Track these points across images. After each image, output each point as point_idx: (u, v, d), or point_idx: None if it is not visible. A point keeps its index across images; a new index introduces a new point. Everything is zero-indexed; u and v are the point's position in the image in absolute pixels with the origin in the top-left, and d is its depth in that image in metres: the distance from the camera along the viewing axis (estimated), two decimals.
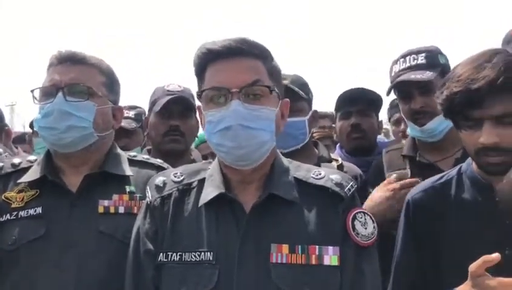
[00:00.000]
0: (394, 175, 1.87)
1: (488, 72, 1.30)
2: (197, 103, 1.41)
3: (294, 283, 1.24)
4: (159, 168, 1.68)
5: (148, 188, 1.41)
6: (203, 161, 1.61)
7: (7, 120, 3.58)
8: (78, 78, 1.56)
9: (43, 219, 1.50)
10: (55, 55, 1.60)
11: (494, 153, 1.33)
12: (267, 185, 1.33)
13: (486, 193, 1.43)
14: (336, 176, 1.37)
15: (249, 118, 1.26)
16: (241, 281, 1.23)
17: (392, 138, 4.09)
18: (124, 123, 2.68)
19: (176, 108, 2.27)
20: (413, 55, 1.99)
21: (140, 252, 1.34)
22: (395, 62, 2.04)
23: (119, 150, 1.72)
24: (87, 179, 1.57)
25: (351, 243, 1.30)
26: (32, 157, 1.69)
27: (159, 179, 1.41)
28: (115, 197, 1.56)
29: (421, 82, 1.91)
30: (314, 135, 2.51)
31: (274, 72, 1.35)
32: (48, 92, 1.56)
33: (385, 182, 1.85)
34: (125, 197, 1.57)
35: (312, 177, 1.37)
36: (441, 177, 1.57)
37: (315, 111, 2.14)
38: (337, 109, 2.70)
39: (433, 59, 1.98)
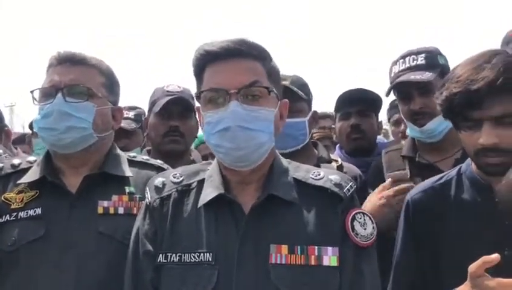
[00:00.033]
0: (389, 180, 1.85)
1: (487, 73, 1.30)
2: (197, 103, 1.41)
3: (293, 283, 1.24)
4: (159, 169, 1.68)
5: (147, 189, 1.41)
6: (203, 162, 1.61)
7: (7, 121, 3.58)
8: (77, 79, 1.56)
9: (42, 220, 1.50)
10: (55, 55, 1.60)
11: (494, 153, 1.33)
12: (266, 186, 1.33)
13: (485, 194, 1.43)
14: (335, 177, 1.37)
15: (248, 119, 1.26)
16: (240, 282, 1.23)
17: (391, 138, 4.10)
18: (124, 124, 2.68)
19: (175, 109, 2.27)
20: (412, 56, 1.99)
21: (140, 253, 1.34)
22: (395, 63, 2.04)
23: (118, 151, 1.72)
24: (86, 179, 1.57)
25: (350, 244, 1.30)
26: (31, 158, 1.69)
27: (158, 180, 1.41)
28: (115, 197, 1.56)
29: (421, 83, 1.91)
30: (313, 135, 2.52)
31: (273, 73, 1.35)
32: (48, 93, 1.56)
33: (379, 188, 1.84)
34: (125, 197, 1.57)
35: (311, 177, 1.37)
36: (441, 178, 1.57)
37: (315, 112, 2.14)
38: (336, 109, 2.70)
39: (433, 60, 1.98)
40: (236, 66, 1.29)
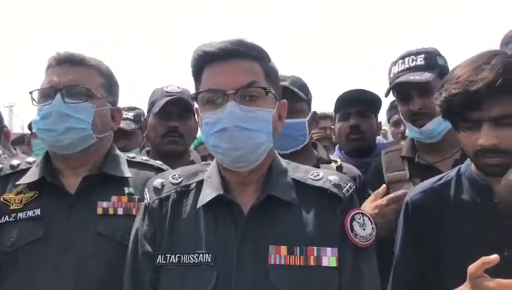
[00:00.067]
0: (383, 186, 1.83)
1: (486, 73, 1.30)
2: (196, 104, 1.41)
3: (292, 284, 1.24)
4: (158, 170, 1.67)
5: (146, 190, 1.41)
6: (202, 163, 1.61)
7: (6, 121, 3.57)
8: (76, 80, 1.56)
9: (41, 221, 1.50)
10: (54, 56, 1.60)
11: (493, 154, 1.33)
12: (265, 187, 1.33)
13: (485, 194, 1.43)
14: (334, 177, 1.37)
15: (245, 119, 1.26)
16: (239, 283, 1.23)
17: (391, 139, 4.10)
18: (123, 124, 2.68)
19: (174, 109, 2.26)
20: (411, 57, 1.99)
21: (139, 254, 1.34)
22: (394, 63, 2.04)
23: (118, 152, 1.71)
24: (85, 180, 1.57)
25: (350, 244, 1.30)
26: (31, 159, 1.69)
27: (157, 181, 1.41)
28: (114, 198, 1.56)
29: (420, 83, 1.91)
30: (313, 136, 2.52)
31: (271, 74, 1.35)
32: (47, 94, 1.55)
33: (371, 197, 1.83)
34: (124, 198, 1.57)
35: (310, 178, 1.37)
36: (440, 179, 1.57)
37: (315, 112, 2.14)
38: (336, 110, 2.70)
39: (432, 60, 1.98)
40: (234, 67, 1.29)
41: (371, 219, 1.37)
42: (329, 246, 1.28)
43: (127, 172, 1.64)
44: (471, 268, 1.22)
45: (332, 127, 3.13)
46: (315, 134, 3.14)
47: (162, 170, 1.66)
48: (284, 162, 1.42)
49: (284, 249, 1.26)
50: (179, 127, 2.26)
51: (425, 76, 1.91)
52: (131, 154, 1.77)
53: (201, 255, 1.27)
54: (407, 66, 1.99)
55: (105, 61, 1.69)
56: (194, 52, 1.34)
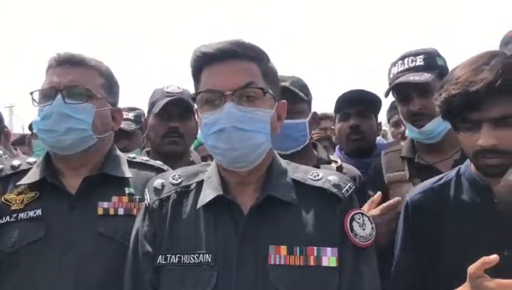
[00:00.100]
0: (378, 193, 1.81)
1: (486, 74, 1.31)
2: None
3: (292, 284, 1.24)
4: (159, 170, 1.68)
5: (146, 190, 1.42)
6: (202, 163, 1.61)
7: (6, 122, 3.58)
8: (77, 80, 1.56)
9: (42, 221, 1.50)
10: (54, 57, 1.61)
11: (492, 155, 1.33)
12: (265, 187, 1.33)
13: (484, 195, 1.43)
14: (333, 177, 1.37)
15: (243, 120, 1.27)
16: (239, 283, 1.24)
17: (390, 139, 4.10)
18: (123, 125, 2.68)
19: (175, 110, 2.26)
20: (411, 57, 1.99)
21: (139, 255, 1.34)
22: (394, 64, 2.05)
23: (118, 152, 1.72)
24: (86, 181, 1.57)
25: (349, 244, 1.30)
26: (31, 159, 1.69)
27: (157, 182, 1.41)
28: (114, 199, 1.57)
29: (419, 84, 1.91)
30: (312, 136, 2.52)
31: (269, 74, 1.36)
32: (47, 94, 1.56)
33: (366, 206, 1.80)
34: (125, 199, 1.58)
35: (310, 178, 1.37)
36: (440, 179, 1.58)
37: (315, 113, 2.14)
38: (336, 110, 2.70)
39: (431, 61, 1.98)
40: (231, 68, 1.30)
41: (371, 219, 1.37)
42: (329, 246, 1.28)
43: (128, 172, 1.64)
44: (471, 268, 1.22)
45: (333, 127, 3.13)
46: (315, 134, 3.14)
47: (163, 171, 1.66)
48: (283, 163, 1.42)
49: (284, 249, 1.26)
50: (179, 127, 2.26)
51: (425, 76, 1.91)
52: (131, 155, 1.77)
53: (201, 255, 1.27)
54: (406, 66, 1.99)
55: (105, 61, 1.69)
56: (193, 53, 1.34)
